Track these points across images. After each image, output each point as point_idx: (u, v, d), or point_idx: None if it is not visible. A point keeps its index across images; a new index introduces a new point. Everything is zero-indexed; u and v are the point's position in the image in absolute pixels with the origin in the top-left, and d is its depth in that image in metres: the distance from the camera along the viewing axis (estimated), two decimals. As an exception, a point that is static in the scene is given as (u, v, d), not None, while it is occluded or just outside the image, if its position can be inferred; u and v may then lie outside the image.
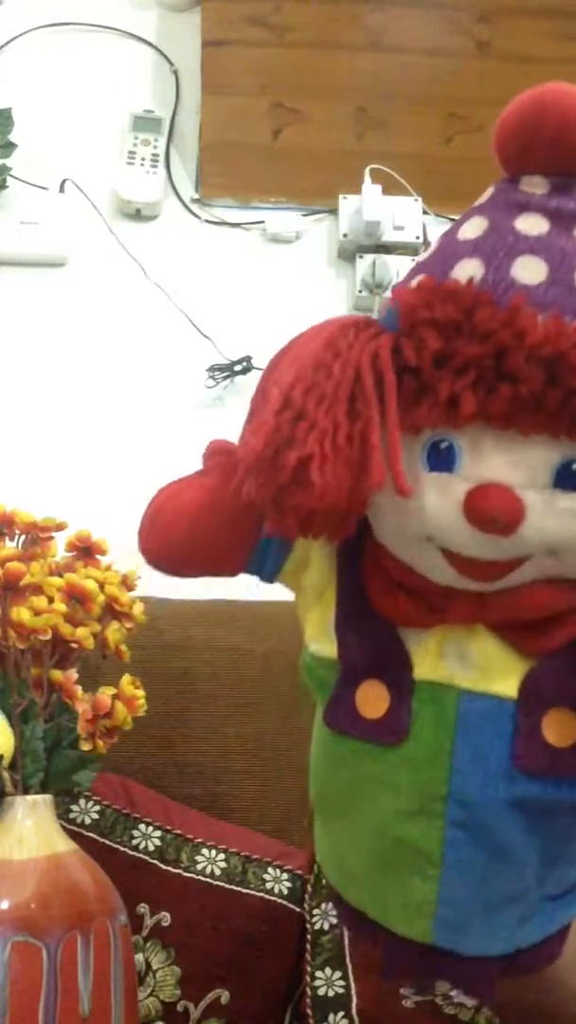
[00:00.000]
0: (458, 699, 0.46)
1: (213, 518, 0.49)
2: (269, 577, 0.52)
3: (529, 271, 0.42)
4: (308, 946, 0.95)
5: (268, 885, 0.98)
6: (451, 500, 0.42)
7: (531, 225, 0.44)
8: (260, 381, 0.45)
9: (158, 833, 1.00)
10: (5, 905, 0.78)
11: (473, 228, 0.45)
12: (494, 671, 0.46)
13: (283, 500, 0.42)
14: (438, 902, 0.48)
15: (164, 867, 0.98)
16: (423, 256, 0.47)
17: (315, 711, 0.53)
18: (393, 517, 0.44)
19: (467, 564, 0.43)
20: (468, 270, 0.43)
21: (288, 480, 0.41)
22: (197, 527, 0.49)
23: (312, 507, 0.41)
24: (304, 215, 1.56)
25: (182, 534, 0.50)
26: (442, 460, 0.42)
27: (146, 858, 0.98)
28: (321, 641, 0.50)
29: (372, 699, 0.48)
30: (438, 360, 0.41)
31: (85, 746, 0.87)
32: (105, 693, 0.88)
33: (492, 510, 0.41)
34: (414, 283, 0.44)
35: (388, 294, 0.48)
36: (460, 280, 0.43)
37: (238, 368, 1.43)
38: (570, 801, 0.47)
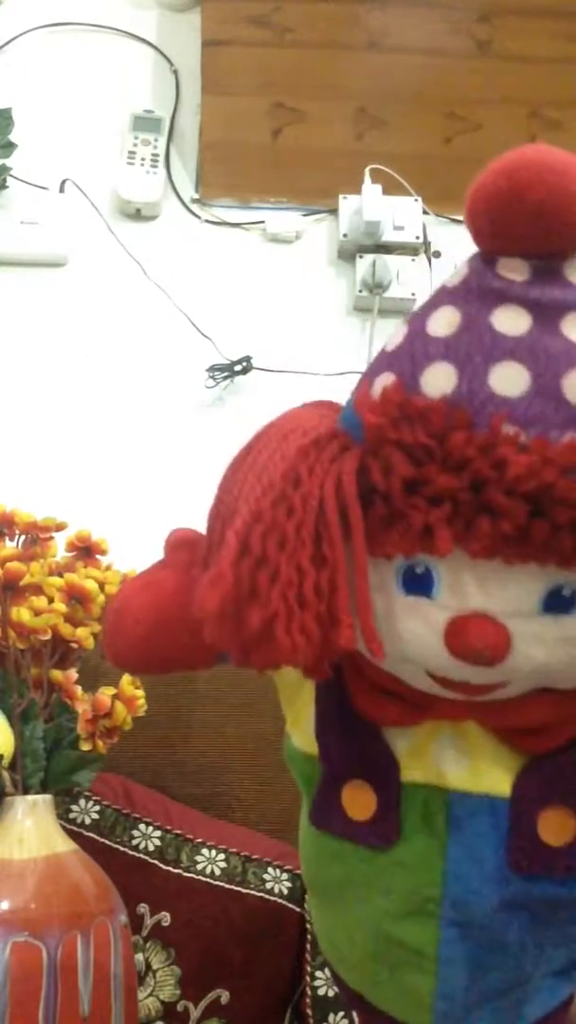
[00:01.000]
0: (449, 799, 0.44)
1: (175, 625, 0.46)
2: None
3: (509, 381, 0.37)
4: (308, 946, 0.95)
5: (268, 885, 0.98)
6: (431, 629, 0.39)
7: (510, 322, 0.38)
8: (216, 497, 0.40)
9: (158, 833, 1.00)
10: (5, 905, 0.78)
11: (445, 322, 0.39)
12: (486, 769, 0.44)
13: (249, 654, 0.38)
14: (436, 995, 0.47)
15: (164, 867, 0.98)
16: (390, 346, 0.42)
17: (302, 800, 0.51)
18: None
19: (453, 684, 0.41)
20: (440, 378, 0.38)
21: (253, 639, 0.37)
22: (158, 635, 0.47)
23: (280, 661, 0.38)
24: (304, 215, 1.56)
25: (144, 641, 0.47)
26: (419, 585, 0.39)
27: (146, 858, 0.98)
28: (302, 737, 0.48)
29: (359, 801, 0.46)
30: (409, 486, 0.37)
31: (85, 746, 0.87)
32: (105, 693, 0.88)
33: (475, 643, 0.38)
34: (379, 385, 0.40)
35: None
36: (431, 389, 0.38)
37: (238, 368, 1.43)
38: (569, 897, 0.45)
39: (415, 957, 0.46)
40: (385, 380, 0.40)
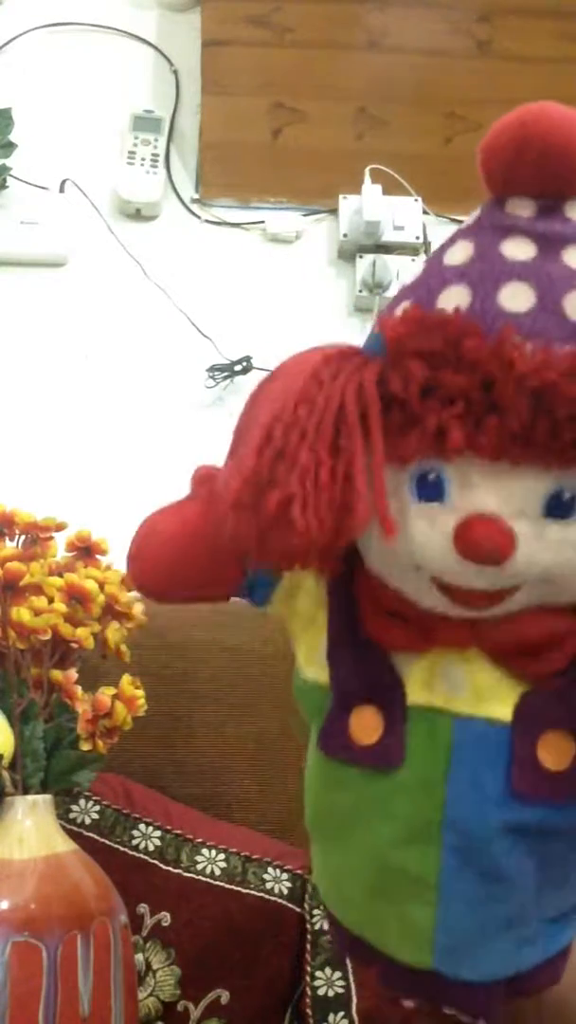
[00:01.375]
0: (452, 724, 0.46)
1: (200, 547, 0.48)
2: (259, 602, 0.51)
3: (516, 298, 0.41)
4: (308, 946, 0.95)
5: (268, 885, 0.98)
6: (440, 532, 0.41)
7: (518, 250, 0.43)
8: (242, 414, 0.44)
9: (158, 833, 1.00)
10: (5, 905, 0.78)
11: (459, 253, 0.44)
12: (488, 695, 0.45)
13: (266, 540, 0.41)
14: (436, 928, 0.47)
15: (164, 867, 0.98)
16: (410, 280, 0.46)
17: (310, 734, 0.52)
18: (381, 547, 0.43)
19: (459, 593, 0.43)
20: (455, 298, 0.42)
21: (270, 521, 0.40)
22: (184, 556, 0.49)
23: (296, 546, 0.40)
24: (304, 215, 1.56)
25: (169, 563, 0.49)
26: (430, 491, 0.42)
27: (146, 858, 0.98)
28: (313, 667, 0.50)
29: (366, 725, 0.47)
30: (425, 391, 0.40)
31: (85, 746, 0.87)
32: (105, 693, 0.88)
33: (482, 542, 0.40)
34: (400, 311, 0.43)
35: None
36: (447, 309, 0.42)
37: (238, 368, 1.43)
38: (567, 825, 0.46)
39: (416, 887, 0.47)
40: (404, 305, 0.43)
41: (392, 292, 1.45)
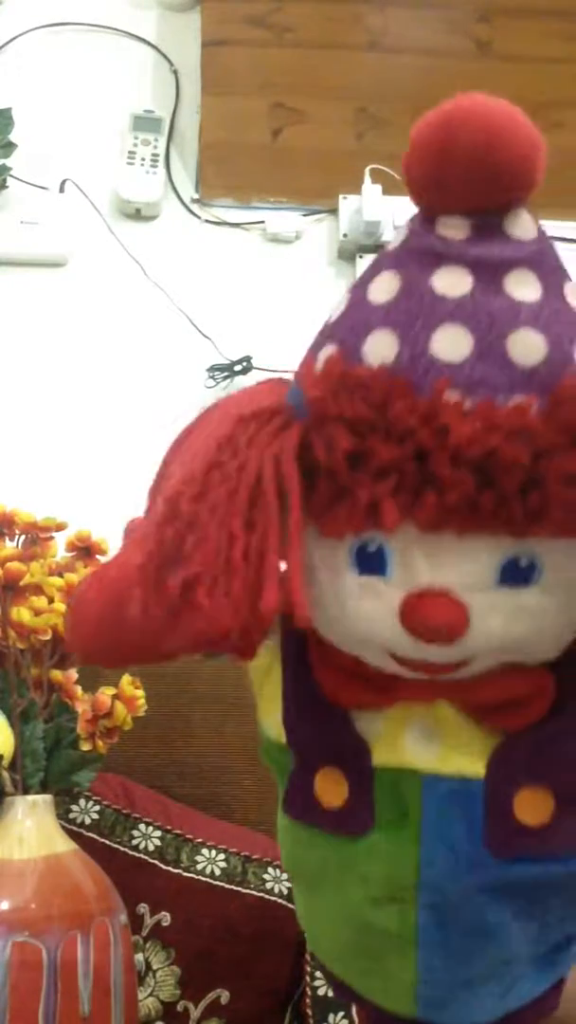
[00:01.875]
0: (422, 783, 0.42)
1: (120, 610, 0.42)
2: (213, 658, 0.46)
3: (451, 344, 0.36)
4: (308, 946, 0.95)
5: (268, 885, 0.98)
6: (386, 608, 0.38)
7: (451, 283, 0.37)
8: (157, 471, 0.40)
9: (158, 833, 1.00)
10: (5, 905, 0.78)
11: (384, 288, 0.38)
12: (458, 750, 0.42)
13: (174, 624, 0.36)
14: (418, 981, 0.45)
15: (164, 867, 0.98)
16: (333, 316, 0.40)
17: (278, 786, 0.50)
18: (327, 621, 0.40)
19: (415, 664, 0.40)
20: (381, 347, 0.37)
21: (174, 604, 0.36)
22: (107, 620, 0.42)
23: (204, 631, 0.36)
24: (304, 215, 1.56)
25: (93, 627, 0.43)
26: (371, 563, 0.38)
27: (146, 858, 0.98)
28: (274, 726, 0.47)
29: (331, 788, 0.44)
30: (354, 460, 0.35)
31: (85, 746, 0.87)
32: (105, 693, 0.88)
33: (431, 621, 0.37)
34: (323, 357, 0.38)
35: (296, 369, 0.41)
36: (373, 358, 0.37)
37: (238, 368, 1.43)
38: (548, 878, 0.44)
39: (395, 942, 0.45)
40: (328, 352, 0.39)
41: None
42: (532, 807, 0.42)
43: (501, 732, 0.42)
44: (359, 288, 0.40)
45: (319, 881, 0.48)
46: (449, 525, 0.36)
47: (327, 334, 0.40)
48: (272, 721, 0.47)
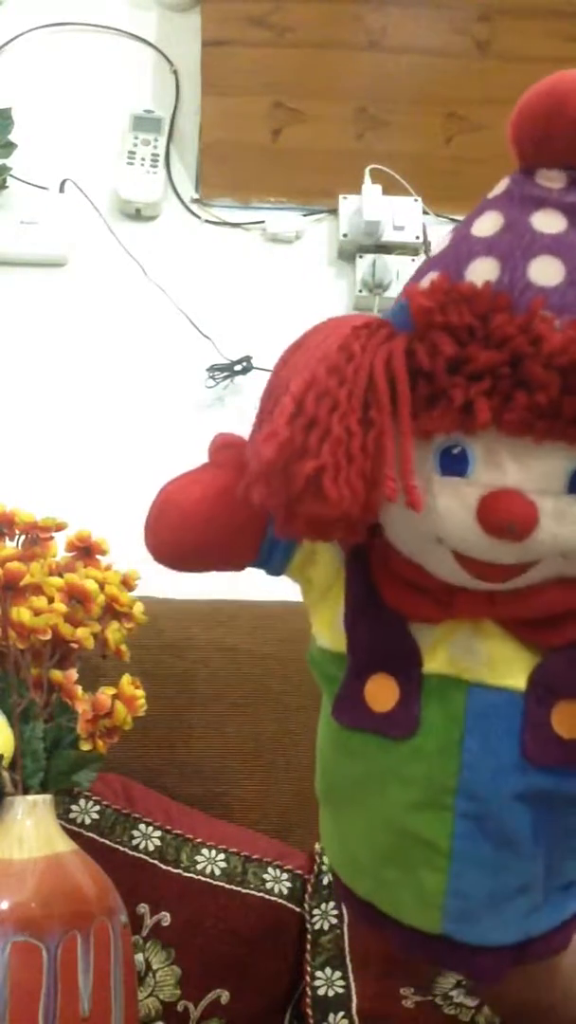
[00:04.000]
0: (467, 692, 0.46)
1: (222, 512, 0.48)
2: (276, 571, 0.51)
3: (546, 272, 0.41)
4: (308, 946, 0.95)
5: (268, 885, 0.98)
6: (464, 506, 0.42)
7: (548, 223, 0.42)
8: (270, 379, 0.44)
9: (158, 833, 1.00)
10: (5, 905, 0.78)
11: (488, 224, 0.44)
12: (503, 664, 0.46)
13: (295, 509, 0.41)
14: (447, 893, 0.48)
15: (164, 867, 0.98)
16: (435, 251, 0.46)
17: (320, 705, 0.53)
18: (404, 519, 0.44)
19: (479, 567, 0.43)
20: (483, 271, 0.42)
21: (301, 490, 0.40)
22: (206, 520, 0.48)
23: (325, 516, 0.41)
24: (304, 215, 1.56)
25: (191, 527, 0.49)
26: (454, 465, 0.42)
27: (146, 858, 0.98)
28: (329, 635, 0.50)
29: (381, 693, 0.48)
30: (452, 366, 0.40)
31: (85, 746, 0.87)
32: (105, 693, 0.88)
33: (506, 517, 0.41)
34: (427, 281, 0.43)
35: (399, 292, 0.47)
36: (475, 281, 0.42)
37: (238, 368, 1.43)
38: None
39: (428, 852, 0.48)
40: (432, 276, 0.43)
41: (392, 292, 1.45)
42: (569, 720, 0.46)
43: (542, 649, 0.46)
44: (462, 226, 0.45)
45: (358, 790, 0.51)
46: (531, 430, 0.40)
47: (429, 265, 0.45)
48: (328, 631, 0.50)
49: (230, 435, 0.50)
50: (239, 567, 0.51)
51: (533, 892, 0.49)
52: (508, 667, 0.46)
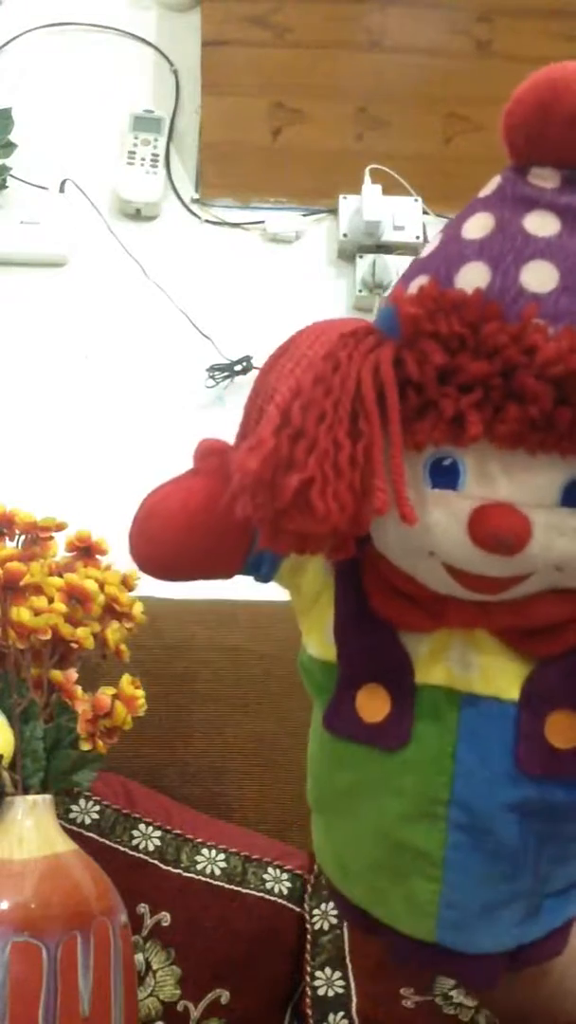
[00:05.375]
0: (460, 703, 0.46)
1: (207, 522, 0.47)
2: (265, 579, 0.50)
3: (539, 277, 0.40)
4: (308, 946, 0.95)
5: (268, 885, 0.98)
6: (455, 519, 0.41)
7: (541, 224, 0.41)
8: (255, 385, 0.43)
9: (158, 833, 1.00)
10: (5, 905, 0.78)
11: (478, 226, 0.42)
12: (496, 674, 0.45)
13: (281, 524, 0.40)
14: (440, 903, 0.48)
15: (164, 867, 0.98)
16: (425, 253, 0.44)
17: (313, 711, 0.53)
18: (394, 532, 0.43)
19: (471, 579, 0.43)
20: (474, 276, 0.40)
21: (288, 503, 0.39)
22: (191, 531, 0.47)
23: (312, 531, 0.40)
24: (304, 215, 1.56)
25: (175, 538, 0.48)
26: (445, 477, 0.41)
27: (146, 858, 0.98)
28: (318, 644, 0.50)
29: (373, 703, 0.47)
30: (442, 375, 0.39)
31: (85, 746, 0.87)
32: (105, 693, 0.88)
33: (498, 531, 0.40)
34: (415, 286, 0.42)
35: (388, 294, 0.46)
36: (465, 286, 0.40)
37: (238, 368, 1.43)
38: (573, 803, 0.46)
39: (421, 862, 0.48)
40: (421, 281, 0.42)
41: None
42: (562, 730, 0.45)
43: (535, 659, 0.45)
44: (452, 227, 0.43)
45: (351, 800, 0.50)
46: (524, 442, 0.39)
47: (418, 267, 0.44)
48: (317, 640, 0.50)
49: (214, 441, 0.49)
50: (227, 576, 0.50)
51: (527, 900, 0.49)
52: (501, 677, 0.45)
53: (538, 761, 0.45)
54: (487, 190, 0.44)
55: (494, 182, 0.43)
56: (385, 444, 0.40)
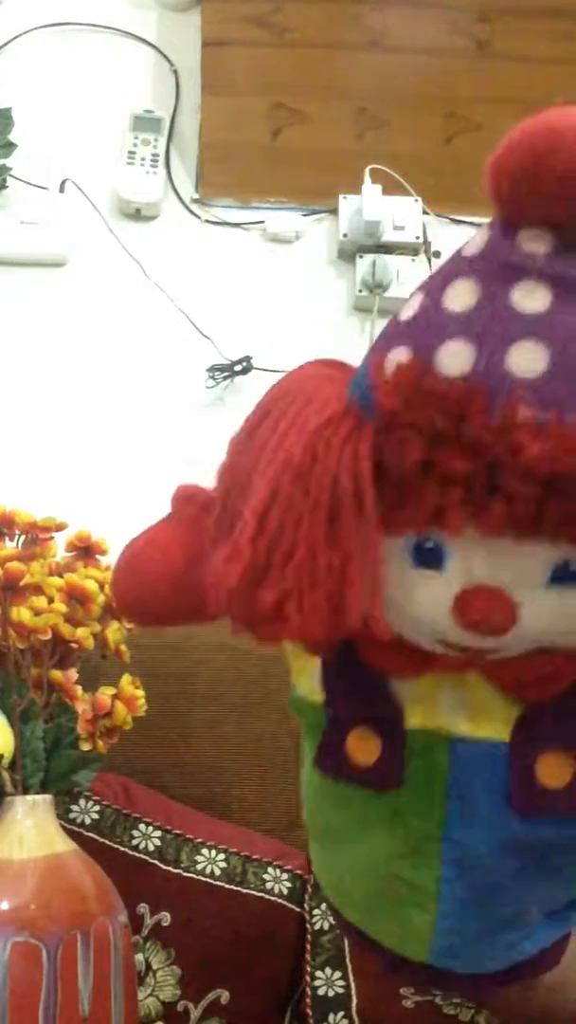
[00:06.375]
0: (451, 744, 0.45)
1: (184, 576, 0.46)
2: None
3: (527, 360, 0.36)
4: (308, 946, 0.95)
5: (268, 885, 0.98)
6: (440, 601, 0.40)
7: (530, 298, 0.37)
8: (230, 463, 0.41)
9: (158, 833, 1.00)
10: (5, 905, 0.78)
11: (462, 297, 0.38)
12: (486, 716, 0.45)
13: (259, 630, 0.39)
14: (435, 931, 0.48)
15: (164, 867, 0.98)
16: (404, 315, 0.41)
17: (306, 742, 0.52)
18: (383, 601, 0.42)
19: (459, 647, 0.42)
20: (457, 357, 0.37)
21: (264, 616, 0.38)
22: (168, 586, 0.47)
23: (289, 639, 0.40)
24: (304, 215, 1.56)
25: (154, 593, 0.47)
26: (428, 558, 0.39)
27: (146, 858, 0.98)
28: (307, 686, 0.49)
29: (363, 746, 0.47)
30: (423, 467, 0.37)
31: (85, 746, 0.87)
32: (105, 693, 0.88)
33: (483, 617, 0.39)
34: (393, 360, 0.39)
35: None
36: (447, 367, 0.37)
37: (238, 368, 1.43)
38: (566, 839, 0.46)
39: (415, 894, 0.48)
40: (400, 355, 0.39)
41: (392, 292, 1.45)
42: (554, 770, 0.44)
43: (527, 701, 0.45)
44: (434, 292, 0.40)
45: (345, 836, 0.50)
46: (509, 534, 0.37)
47: (398, 334, 0.40)
48: (305, 681, 0.49)
49: (193, 488, 0.48)
50: (213, 620, 0.48)
51: (521, 926, 0.49)
52: (491, 718, 0.45)
53: (530, 802, 0.45)
54: (472, 248, 0.40)
55: (479, 239, 0.40)
56: (362, 547, 0.38)
